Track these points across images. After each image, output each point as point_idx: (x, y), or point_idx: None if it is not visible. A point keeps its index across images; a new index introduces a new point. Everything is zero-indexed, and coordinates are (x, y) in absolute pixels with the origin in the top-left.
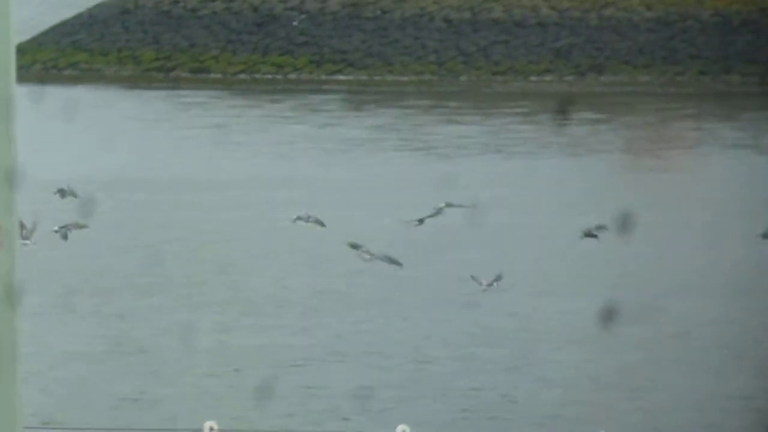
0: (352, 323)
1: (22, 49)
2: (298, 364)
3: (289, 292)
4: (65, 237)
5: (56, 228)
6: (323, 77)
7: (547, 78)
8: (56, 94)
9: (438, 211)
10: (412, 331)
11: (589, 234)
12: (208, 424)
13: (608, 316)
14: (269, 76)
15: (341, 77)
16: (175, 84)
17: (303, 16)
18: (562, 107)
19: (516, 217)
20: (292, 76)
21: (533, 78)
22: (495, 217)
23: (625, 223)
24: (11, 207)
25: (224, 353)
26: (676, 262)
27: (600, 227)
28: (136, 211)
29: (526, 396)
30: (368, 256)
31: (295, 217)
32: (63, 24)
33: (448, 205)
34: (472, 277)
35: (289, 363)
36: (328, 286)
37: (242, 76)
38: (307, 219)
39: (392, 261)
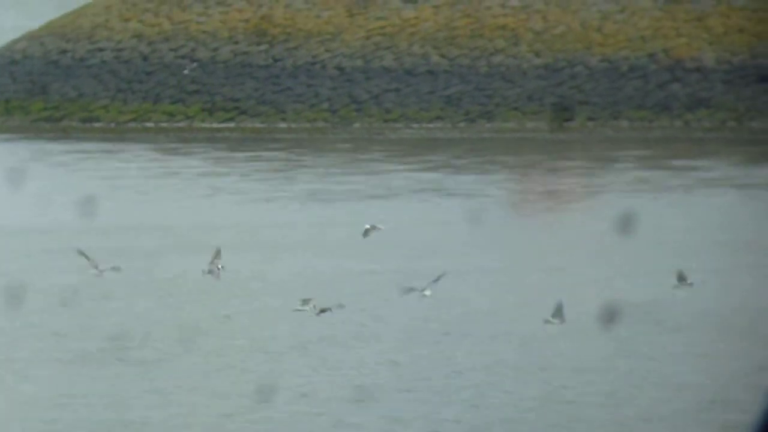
0: None
1: None
2: None
3: None
4: None
5: None
6: (215, 125)
7: (438, 125)
8: None
9: None
10: None
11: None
12: None
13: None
14: (160, 125)
15: (233, 125)
16: (64, 134)
17: (194, 65)
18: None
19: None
20: (182, 124)
21: (424, 125)
22: None
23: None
24: None
25: None
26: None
27: None
28: None
29: None
30: None
31: None
32: None
33: None
34: None
35: None
36: None
37: (133, 124)
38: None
39: None
